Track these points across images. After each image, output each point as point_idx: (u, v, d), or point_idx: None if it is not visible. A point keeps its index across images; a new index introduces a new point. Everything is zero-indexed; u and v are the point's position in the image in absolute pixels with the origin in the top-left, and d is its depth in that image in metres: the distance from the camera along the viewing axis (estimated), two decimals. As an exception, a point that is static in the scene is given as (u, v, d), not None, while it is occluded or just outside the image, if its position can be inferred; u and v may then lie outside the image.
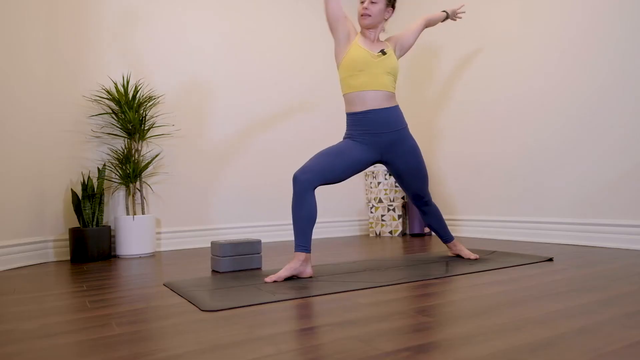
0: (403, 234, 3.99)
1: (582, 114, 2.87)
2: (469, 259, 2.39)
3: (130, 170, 3.03)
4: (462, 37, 3.70)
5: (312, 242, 3.58)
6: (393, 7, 2.19)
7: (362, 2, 2.13)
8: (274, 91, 3.87)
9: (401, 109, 4.33)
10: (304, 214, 1.96)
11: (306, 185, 1.96)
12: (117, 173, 3.08)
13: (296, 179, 1.97)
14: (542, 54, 3.10)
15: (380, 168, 3.99)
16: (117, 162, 3.07)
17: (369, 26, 2.15)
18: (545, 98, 3.08)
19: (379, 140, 2.12)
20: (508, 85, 3.34)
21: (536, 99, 3.14)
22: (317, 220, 4.02)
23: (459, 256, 2.46)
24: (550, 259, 2.32)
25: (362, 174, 4.34)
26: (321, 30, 4.15)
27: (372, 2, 2.10)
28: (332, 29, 2.12)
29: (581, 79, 2.87)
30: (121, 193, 3.21)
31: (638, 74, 2.60)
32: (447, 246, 2.49)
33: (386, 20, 2.19)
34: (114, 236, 3.11)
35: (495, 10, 3.43)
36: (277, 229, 3.80)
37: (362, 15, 2.12)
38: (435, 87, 3.96)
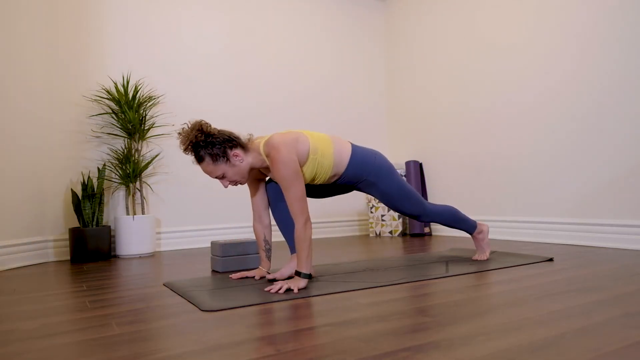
0: (403, 234, 3.99)
1: (582, 114, 2.87)
2: (472, 258, 2.40)
3: (130, 170, 3.03)
4: (465, 40, 3.69)
5: (311, 242, 3.58)
6: (231, 148, 1.79)
7: (221, 179, 1.86)
8: (275, 94, 3.87)
9: (401, 110, 4.33)
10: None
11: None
12: (117, 173, 3.08)
13: None
14: (543, 56, 3.10)
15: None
16: (117, 162, 3.07)
17: (246, 178, 1.88)
18: (545, 100, 3.08)
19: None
20: (508, 86, 3.34)
21: (536, 101, 3.14)
22: (318, 220, 4.03)
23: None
24: (551, 259, 2.32)
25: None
26: (326, 32, 4.15)
27: (222, 178, 1.84)
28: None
29: (582, 81, 2.87)
30: (121, 193, 3.21)
31: (636, 77, 2.60)
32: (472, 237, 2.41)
33: (242, 161, 1.83)
34: (113, 236, 3.11)
35: (497, 14, 3.43)
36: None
37: (235, 185, 1.89)
38: (437, 87, 3.96)
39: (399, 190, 2.05)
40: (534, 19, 3.15)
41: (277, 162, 1.74)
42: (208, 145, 1.77)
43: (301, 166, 1.85)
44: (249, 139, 1.89)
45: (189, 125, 1.80)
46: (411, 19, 4.21)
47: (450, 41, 3.81)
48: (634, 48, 2.61)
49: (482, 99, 3.54)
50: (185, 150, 1.79)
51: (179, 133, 1.81)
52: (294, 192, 1.74)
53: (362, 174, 1.98)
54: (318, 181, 1.94)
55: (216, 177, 1.83)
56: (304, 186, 1.78)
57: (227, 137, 1.80)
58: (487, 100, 3.50)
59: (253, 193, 2.05)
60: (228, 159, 1.80)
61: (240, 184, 1.89)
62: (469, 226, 2.32)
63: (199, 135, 1.76)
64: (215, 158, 1.78)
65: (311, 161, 1.85)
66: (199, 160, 1.80)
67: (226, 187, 1.86)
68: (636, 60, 2.61)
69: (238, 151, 1.81)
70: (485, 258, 2.36)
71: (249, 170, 1.87)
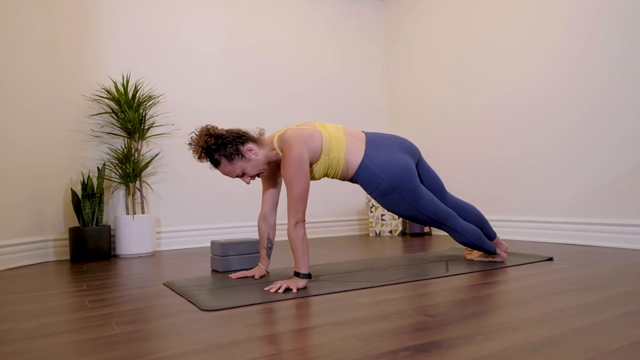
0: (403, 233, 3.99)
1: (582, 115, 2.87)
2: (470, 258, 2.40)
3: (130, 169, 3.03)
4: (465, 40, 3.69)
5: (311, 241, 3.58)
6: (243, 143, 1.80)
7: (242, 177, 1.87)
8: (275, 94, 3.87)
9: (401, 110, 4.33)
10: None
11: None
12: (117, 172, 3.08)
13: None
14: (543, 56, 3.10)
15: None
16: (117, 162, 3.07)
17: (267, 169, 1.89)
18: (545, 99, 3.08)
19: None
20: (508, 86, 3.33)
21: (536, 101, 3.14)
22: (318, 220, 4.02)
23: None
24: (550, 259, 2.32)
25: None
26: (326, 32, 4.15)
27: (242, 175, 1.85)
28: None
29: (582, 81, 2.87)
30: (121, 192, 3.21)
31: (636, 77, 2.60)
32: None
33: (257, 154, 1.83)
34: (113, 235, 3.11)
35: (497, 14, 3.43)
36: (277, 228, 3.80)
37: (258, 177, 1.90)
38: (437, 87, 3.96)
39: (407, 212, 1.99)
40: (534, 19, 3.14)
41: (288, 160, 1.74)
42: (220, 147, 1.77)
43: (313, 163, 1.85)
44: (260, 134, 1.89)
45: (197, 133, 1.81)
46: (411, 19, 4.21)
47: (450, 41, 3.81)
48: (634, 48, 2.61)
49: (483, 98, 3.54)
50: (199, 158, 1.79)
51: (189, 143, 1.82)
52: (296, 191, 1.74)
53: (369, 186, 1.93)
54: (330, 177, 1.96)
55: (237, 177, 1.84)
56: (308, 186, 1.77)
57: (236, 134, 1.80)
58: (488, 100, 3.50)
59: (265, 189, 2.02)
60: (243, 155, 1.80)
61: (263, 175, 1.89)
62: (488, 248, 2.19)
63: (209, 139, 1.77)
64: (230, 158, 1.79)
65: (323, 161, 1.86)
66: (216, 164, 1.81)
67: (248, 183, 1.87)
68: (636, 60, 2.60)
69: (251, 145, 1.82)
70: (471, 258, 2.36)
71: (266, 162, 1.87)
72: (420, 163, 2.14)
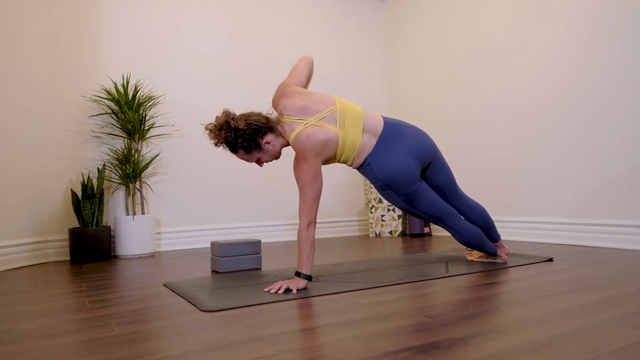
0: (403, 234, 3.99)
1: (582, 115, 2.87)
2: (465, 253, 2.42)
3: (130, 170, 3.03)
4: (465, 40, 3.69)
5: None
6: (262, 136, 1.83)
7: (257, 162, 1.93)
8: (274, 94, 3.87)
9: (401, 110, 4.33)
10: None
11: None
12: (117, 173, 3.08)
13: None
14: (542, 56, 3.10)
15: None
16: (117, 162, 3.07)
17: (280, 155, 1.95)
18: (545, 99, 3.08)
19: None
20: (508, 86, 3.33)
21: (536, 100, 3.14)
22: (318, 220, 4.03)
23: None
24: (551, 259, 2.32)
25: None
26: (326, 32, 4.15)
27: (258, 161, 1.91)
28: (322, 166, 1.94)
29: (581, 81, 2.87)
30: (121, 193, 3.21)
31: (636, 77, 2.60)
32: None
33: (275, 145, 1.87)
34: (113, 236, 3.11)
35: (497, 13, 3.43)
36: (277, 229, 3.80)
37: (270, 160, 1.93)
38: (437, 87, 3.96)
39: (402, 207, 2.04)
40: (534, 19, 3.14)
41: (302, 169, 1.77)
42: (238, 139, 1.81)
43: (323, 163, 1.90)
44: (279, 121, 1.89)
45: (216, 123, 1.81)
46: (411, 19, 4.21)
47: (450, 41, 3.81)
48: (634, 48, 2.61)
49: (482, 98, 3.54)
50: (216, 145, 1.85)
51: (207, 128, 1.84)
52: (309, 195, 1.77)
53: (370, 179, 1.99)
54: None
55: (252, 162, 1.92)
56: (321, 189, 1.81)
57: (255, 128, 1.81)
58: (487, 100, 3.50)
59: None
60: (261, 148, 1.85)
61: (275, 158, 1.95)
62: (488, 249, 2.21)
63: (228, 135, 1.79)
64: (248, 149, 1.84)
65: (333, 164, 1.92)
66: (233, 151, 1.87)
67: (261, 166, 1.94)
68: (636, 60, 2.60)
69: (269, 137, 1.85)
70: (472, 259, 2.36)
71: (275, 152, 1.91)
72: (434, 162, 2.08)
